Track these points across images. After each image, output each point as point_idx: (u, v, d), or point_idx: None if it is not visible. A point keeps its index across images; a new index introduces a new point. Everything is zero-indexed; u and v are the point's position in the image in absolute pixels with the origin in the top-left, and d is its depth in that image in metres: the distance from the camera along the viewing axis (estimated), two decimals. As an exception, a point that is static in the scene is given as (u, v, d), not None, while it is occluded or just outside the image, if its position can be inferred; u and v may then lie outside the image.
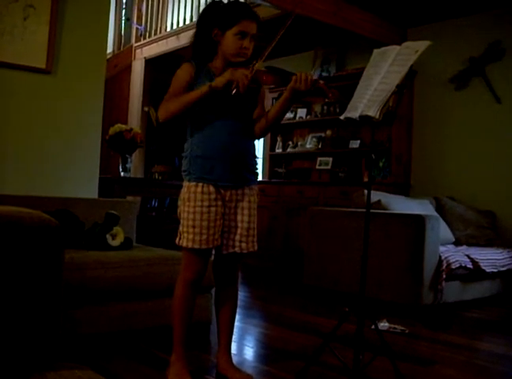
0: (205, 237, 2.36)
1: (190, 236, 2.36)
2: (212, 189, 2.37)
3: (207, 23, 2.38)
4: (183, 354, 2.43)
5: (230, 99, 2.34)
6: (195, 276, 2.43)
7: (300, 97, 2.35)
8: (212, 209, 2.37)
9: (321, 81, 2.32)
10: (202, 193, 2.36)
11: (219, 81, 2.24)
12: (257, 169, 2.54)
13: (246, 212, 2.45)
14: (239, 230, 2.45)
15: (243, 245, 2.46)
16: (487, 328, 3.88)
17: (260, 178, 7.21)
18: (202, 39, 2.41)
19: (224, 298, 2.57)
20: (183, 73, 2.39)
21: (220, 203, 2.39)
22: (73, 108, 4.02)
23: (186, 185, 2.41)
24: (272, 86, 2.44)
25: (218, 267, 2.57)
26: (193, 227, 2.35)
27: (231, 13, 2.33)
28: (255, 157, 2.52)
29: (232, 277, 2.58)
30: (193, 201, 2.36)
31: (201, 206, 2.35)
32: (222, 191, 2.40)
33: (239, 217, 2.45)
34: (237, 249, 2.45)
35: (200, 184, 2.37)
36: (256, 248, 2.51)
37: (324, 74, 6.71)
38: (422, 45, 2.46)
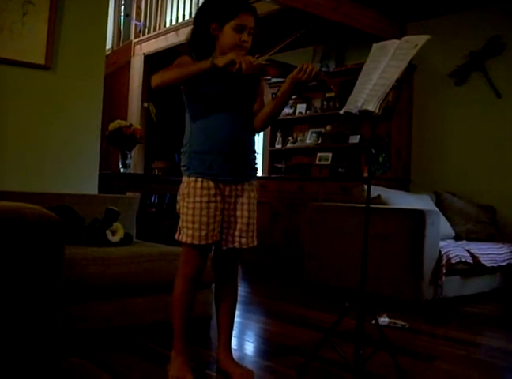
0: (204, 232, 2.36)
1: (190, 232, 2.36)
2: (211, 184, 2.37)
3: (205, 18, 2.39)
4: (184, 350, 2.44)
5: (229, 94, 2.35)
6: (194, 272, 2.43)
7: (300, 88, 2.35)
8: (212, 205, 2.37)
9: (323, 73, 2.32)
10: (202, 188, 2.36)
11: (221, 59, 2.21)
12: (256, 164, 2.54)
13: (245, 207, 2.45)
14: (238, 226, 2.45)
15: (243, 240, 2.46)
16: (487, 323, 3.88)
17: (260, 173, 7.21)
18: (200, 34, 2.41)
19: (223, 293, 2.58)
20: (185, 58, 2.39)
21: (219, 198, 2.39)
22: (73, 104, 4.01)
23: (186, 180, 2.40)
24: (276, 79, 2.43)
25: (217, 262, 2.57)
26: (193, 222, 2.35)
27: (228, 6, 2.33)
28: (255, 152, 2.52)
29: (232, 272, 2.58)
30: (192, 197, 2.36)
31: (201, 202, 2.35)
32: (221, 186, 2.39)
33: (238, 212, 2.45)
34: (236, 245, 2.45)
35: (199, 179, 2.36)
36: (256, 243, 2.51)
37: (324, 69, 6.70)
38: (421, 39, 2.46)
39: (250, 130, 2.46)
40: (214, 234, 2.39)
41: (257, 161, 2.54)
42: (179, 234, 2.41)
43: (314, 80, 2.29)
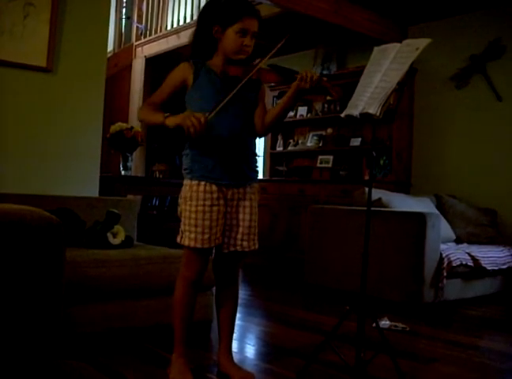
0: (207, 236, 2.35)
1: (192, 235, 2.35)
2: (214, 187, 2.36)
3: (208, 20, 2.37)
4: (184, 353, 2.44)
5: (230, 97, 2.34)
6: (195, 275, 2.43)
7: (304, 95, 2.35)
8: (215, 208, 2.36)
9: (325, 79, 2.31)
10: (205, 191, 2.35)
11: (171, 121, 2.25)
12: (257, 167, 2.53)
13: (247, 210, 2.45)
14: (240, 229, 2.44)
15: (245, 243, 2.45)
16: (488, 326, 3.88)
17: (261, 176, 7.21)
18: (202, 36, 2.39)
19: (224, 296, 2.57)
20: (176, 74, 2.39)
21: (222, 202, 2.39)
22: (74, 107, 4.01)
23: (188, 183, 2.40)
24: (274, 84, 2.43)
25: (218, 265, 2.57)
26: (196, 226, 2.34)
27: (232, 9, 2.31)
28: (256, 155, 2.51)
29: (233, 276, 2.57)
30: (195, 200, 2.35)
31: (204, 205, 2.34)
32: (224, 189, 2.39)
33: (240, 216, 2.44)
34: (238, 248, 2.45)
35: (202, 183, 2.36)
36: (257, 246, 2.50)
37: (325, 72, 6.70)
38: (422, 42, 2.46)
39: (251, 133, 2.45)
40: (216, 237, 2.38)
41: (258, 164, 2.54)
42: (181, 237, 2.40)
43: (316, 86, 2.28)
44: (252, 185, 2.48)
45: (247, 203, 2.45)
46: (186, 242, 2.37)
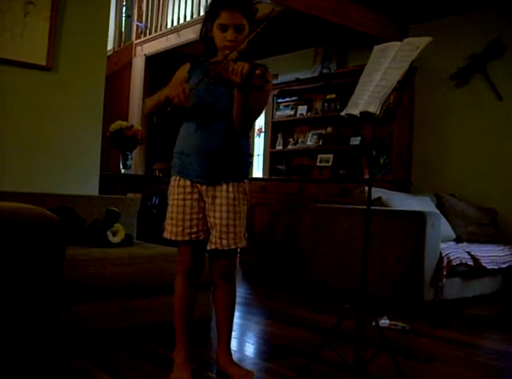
0: (180, 229, 2.42)
1: (169, 228, 2.46)
2: (187, 183, 2.43)
3: (205, 19, 2.42)
4: (184, 350, 2.45)
5: (214, 96, 2.36)
6: (184, 268, 2.48)
7: (247, 89, 2.21)
8: (188, 203, 2.42)
9: (258, 71, 2.14)
10: (178, 186, 2.44)
11: (162, 95, 2.31)
12: (244, 167, 2.48)
13: (224, 208, 2.42)
14: (218, 227, 2.43)
15: (224, 242, 2.42)
16: (488, 325, 3.88)
17: (260, 175, 7.21)
18: (203, 35, 2.44)
19: (220, 295, 2.56)
20: (178, 73, 2.48)
21: (196, 196, 2.43)
22: (74, 105, 4.01)
23: (171, 179, 2.50)
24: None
25: (212, 263, 2.57)
26: (171, 219, 2.45)
27: (212, 6, 2.36)
28: (241, 154, 2.45)
29: (226, 274, 2.54)
30: (171, 195, 2.47)
31: (177, 199, 2.43)
32: (198, 185, 2.43)
33: (217, 213, 2.42)
34: (218, 246, 2.43)
35: (177, 178, 2.45)
36: (240, 245, 2.46)
37: (325, 71, 6.71)
38: (423, 41, 2.46)
39: (232, 133, 2.39)
40: (192, 231, 2.42)
41: (246, 164, 2.49)
42: (164, 231, 2.50)
43: (254, 78, 2.15)
44: (234, 183, 2.43)
45: (224, 201, 2.42)
46: (164, 235, 2.48)
